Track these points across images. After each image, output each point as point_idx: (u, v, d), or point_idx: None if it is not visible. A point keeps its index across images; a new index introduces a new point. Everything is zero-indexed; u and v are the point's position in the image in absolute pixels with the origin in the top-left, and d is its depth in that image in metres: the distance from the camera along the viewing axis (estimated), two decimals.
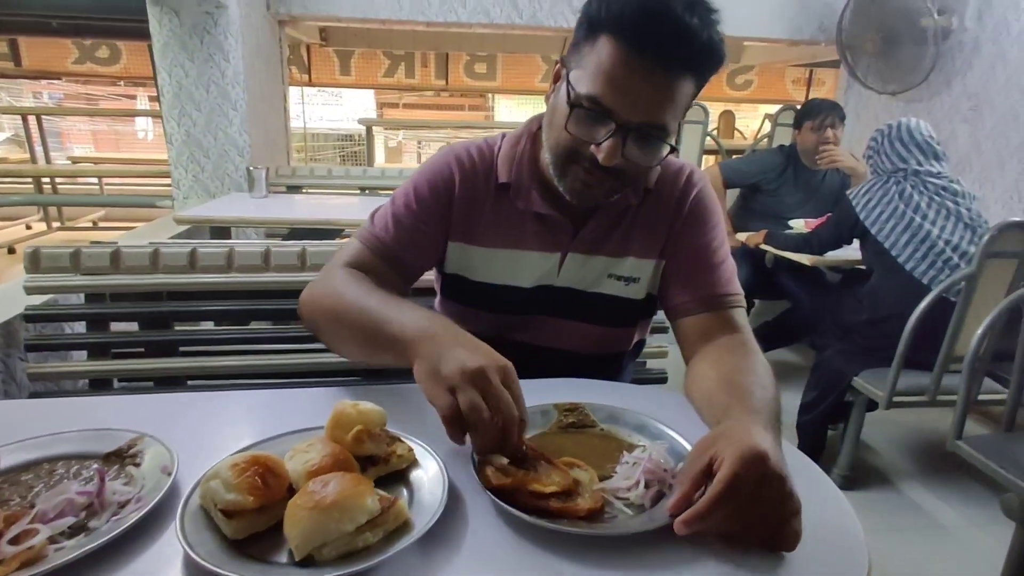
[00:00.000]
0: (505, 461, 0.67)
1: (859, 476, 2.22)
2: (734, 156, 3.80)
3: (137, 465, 0.68)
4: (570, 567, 0.58)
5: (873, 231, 2.06)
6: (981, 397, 1.82)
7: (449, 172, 0.99)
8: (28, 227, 5.44)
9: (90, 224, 5.56)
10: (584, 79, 0.81)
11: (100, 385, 1.31)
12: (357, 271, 0.93)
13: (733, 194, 3.19)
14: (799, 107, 3.03)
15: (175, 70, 3.27)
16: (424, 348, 0.71)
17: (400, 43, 6.92)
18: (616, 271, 1.00)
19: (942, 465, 2.34)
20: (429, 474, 0.68)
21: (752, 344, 0.91)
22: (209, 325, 1.51)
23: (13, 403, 1.06)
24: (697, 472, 0.62)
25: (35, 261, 1.25)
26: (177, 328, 1.37)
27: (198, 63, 3.27)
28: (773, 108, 4.96)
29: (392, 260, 0.97)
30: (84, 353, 1.32)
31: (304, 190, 3.52)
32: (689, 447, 0.73)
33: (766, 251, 2.71)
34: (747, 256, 2.84)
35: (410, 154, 10.07)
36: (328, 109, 9.49)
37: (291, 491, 0.62)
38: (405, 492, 0.67)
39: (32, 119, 5.52)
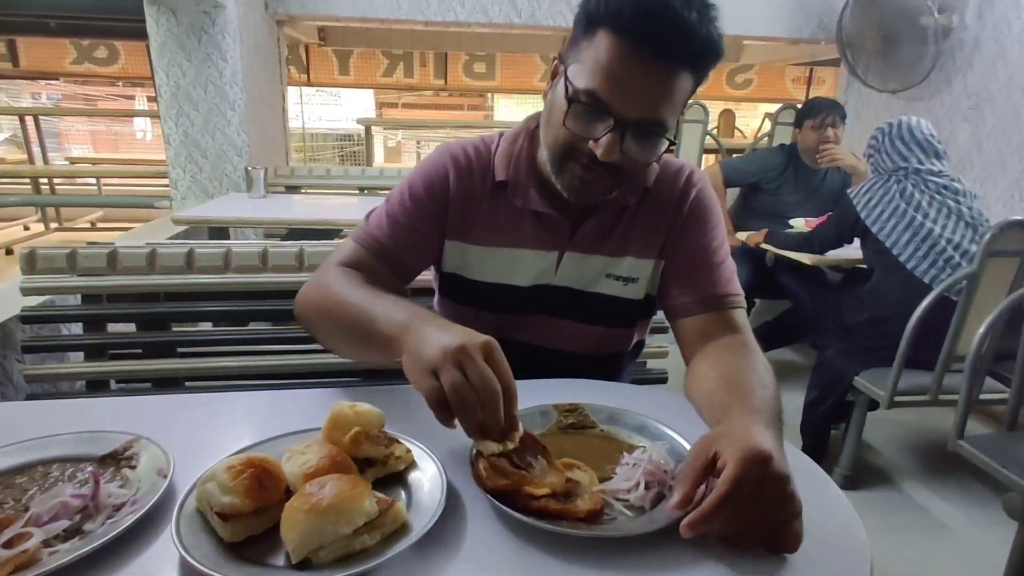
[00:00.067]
0: (496, 449, 0.65)
1: (861, 476, 2.21)
2: (734, 155, 3.80)
3: (133, 467, 0.67)
4: (570, 569, 0.57)
5: (874, 230, 2.05)
6: (983, 396, 1.82)
7: (444, 171, 0.99)
8: (26, 228, 5.43)
9: (88, 225, 5.55)
10: (582, 74, 0.81)
11: (97, 387, 1.31)
12: (351, 269, 0.93)
13: (733, 193, 3.19)
14: (800, 106, 3.03)
15: (173, 70, 3.27)
16: (409, 339, 0.70)
17: (399, 43, 6.92)
18: (614, 271, 1.00)
19: (944, 465, 2.33)
20: (427, 476, 0.67)
21: (752, 344, 0.91)
22: (207, 326, 1.51)
23: (10, 405, 1.05)
24: (698, 470, 0.61)
25: (31, 262, 1.24)
26: (175, 329, 1.37)
27: (196, 63, 3.26)
28: (773, 107, 4.96)
29: (387, 259, 0.96)
30: (81, 354, 1.31)
31: (303, 190, 3.52)
32: (689, 448, 0.73)
33: (767, 250, 2.71)
34: (747, 255, 2.84)
35: (409, 154, 10.07)
36: (327, 109, 9.48)
37: (288, 493, 0.61)
38: (403, 494, 0.66)
39: (30, 119, 5.51)
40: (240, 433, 0.79)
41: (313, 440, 0.68)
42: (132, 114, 9.14)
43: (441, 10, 3.69)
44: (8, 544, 0.54)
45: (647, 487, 0.66)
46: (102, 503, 0.61)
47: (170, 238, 2.62)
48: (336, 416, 0.70)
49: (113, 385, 1.33)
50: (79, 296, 1.31)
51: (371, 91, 9.22)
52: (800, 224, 2.75)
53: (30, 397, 1.35)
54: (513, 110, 9.59)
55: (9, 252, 4.78)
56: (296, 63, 7.46)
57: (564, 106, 0.82)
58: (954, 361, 1.88)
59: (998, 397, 1.92)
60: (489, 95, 9.49)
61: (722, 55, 0.81)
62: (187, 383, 1.34)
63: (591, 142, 0.82)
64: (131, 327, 1.36)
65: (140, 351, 1.32)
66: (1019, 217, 1.79)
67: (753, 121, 7.96)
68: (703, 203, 1.00)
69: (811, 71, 8.07)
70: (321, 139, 9.05)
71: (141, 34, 3.31)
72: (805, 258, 2.44)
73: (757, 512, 0.58)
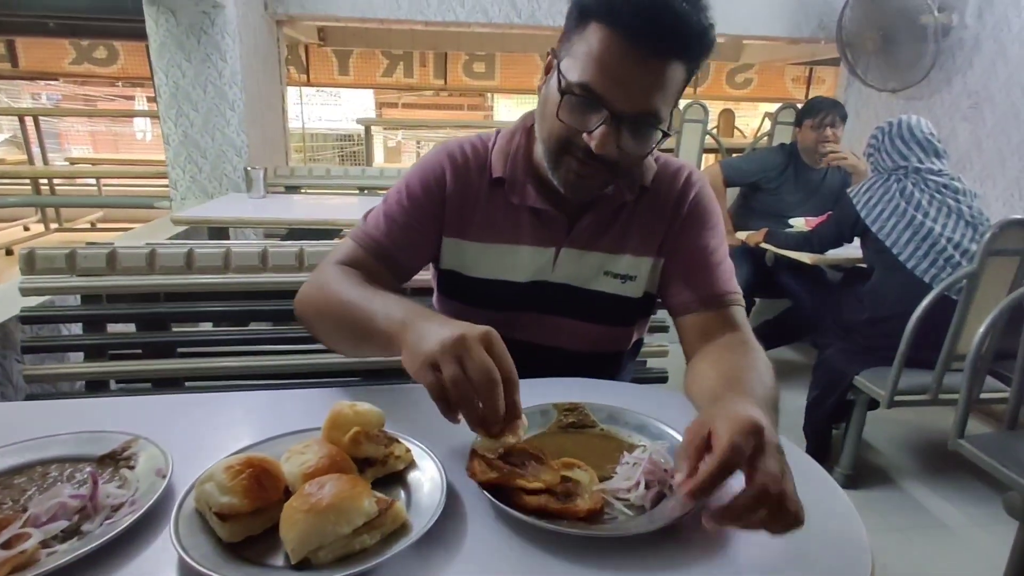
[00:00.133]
0: (497, 448, 0.65)
1: (861, 475, 2.21)
2: (734, 155, 3.80)
3: (131, 468, 0.67)
4: (570, 569, 0.57)
5: (874, 229, 2.05)
6: (983, 396, 1.82)
7: (441, 169, 0.99)
8: (26, 228, 5.43)
9: (88, 225, 5.54)
10: (575, 67, 0.81)
11: (97, 387, 1.31)
12: (349, 268, 0.93)
13: (733, 193, 3.19)
14: (800, 105, 3.02)
15: (172, 70, 3.27)
16: (408, 336, 0.70)
17: (398, 43, 6.93)
18: (612, 268, 1.00)
19: (944, 464, 2.33)
20: (427, 475, 0.67)
21: (752, 342, 0.91)
22: (207, 326, 1.51)
23: (9, 405, 1.05)
24: (696, 447, 0.60)
25: (31, 262, 1.24)
26: (174, 329, 1.37)
27: (195, 63, 3.26)
28: (773, 106, 4.96)
29: (385, 258, 0.96)
30: (81, 355, 1.31)
31: (302, 190, 3.52)
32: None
33: (766, 250, 2.70)
34: (747, 255, 2.83)
35: (409, 154, 10.06)
36: (327, 109, 9.47)
37: (287, 493, 0.61)
38: (403, 493, 0.66)
39: (29, 120, 5.51)
40: (239, 433, 0.79)
41: (312, 440, 0.68)
42: (132, 114, 9.14)
43: (441, 10, 3.69)
44: (6, 545, 0.53)
45: (647, 486, 0.66)
46: (100, 503, 0.60)
47: (170, 238, 2.62)
48: (335, 416, 0.70)
49: (113, 385, 1.33)
50: (79, 296, 1.31)
51: (371, 91, 9.21)
52: (800, 223, 2.75)
53: (30, 397, 1.35)
54: (513, 110, 9.58)
55: (9, 253, 4.78)
56: (296, 63, 7.46)
57: (558, 99, 0.83)
58: (954, 360, 1.88)
59: (998, 396, 1.92)
60: (489, 95, 9.49)
61: (713, 45, 0.82)
62: (187, 383, 1.34)
63: (585, 135, 0.82)
64: (131, 327, 1.35)
65: (140, 351, 1.32)
66: (1019, 216, 1.79)
67: (753, 121, 7.96)
68: (702, 203, 1.01)
69: (811, 70, 8.07)
70: (321, 139, 9.05)
71: (140, 34, 3.31)
72: (805, 257, 2.44)
73: (757, 483, 0.56)
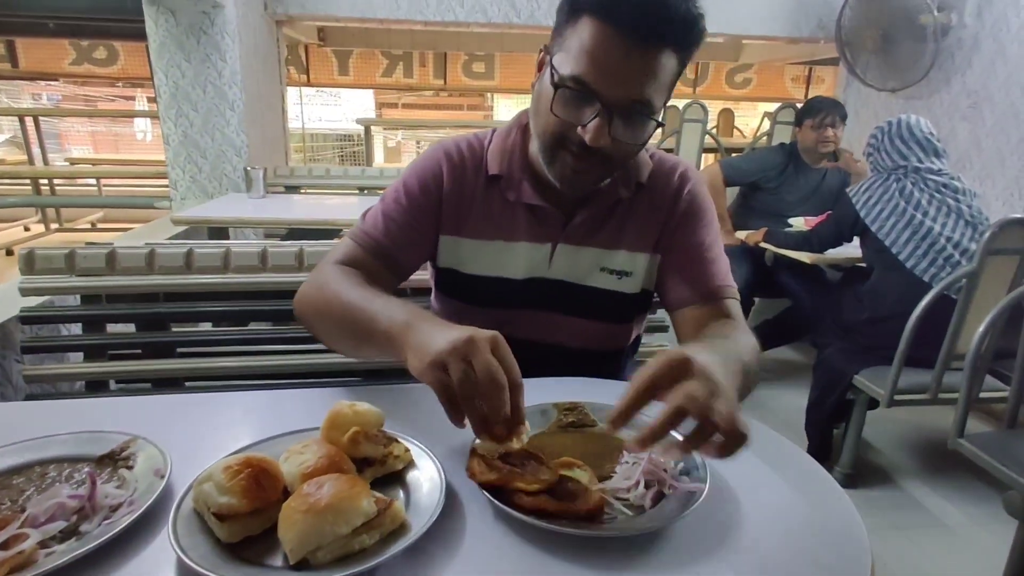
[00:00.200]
0: (498, 450, 0.65)
1: (861, 474, 2.21)
2: (734, 154, 3.80)
3: (130, 468, 0.67)
4: (569, 569, 0.57)
5: (874, 228, 2.05)
6: (983, 395, 1.82)
7: (438, 167, 1.00)
8: (26, 229, 5.43)
9: (88, 225, 5.55)
10: (567, 61, 0.81)
11: (97, 387, 1.30)
12: (349, 268, 0.93)
13: (733, 192, 3.18)
14: (800, 105, 3.02)
15: (172, 70, 3.27)
16: (412, 338, 0.70)
17: (398, 43, 6.93)
18: (608, 264, 1.01)
19: (944, 463, 2.33)
20: (426, 475, 0.67)
21: (743, 326, 0.92)
22: (207, 326, 1.50)
23: (9, 405, 1.05)
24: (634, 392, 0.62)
25: (30, 263, 1.24)
26: (174, 329, 1.36)
27: (195, 63, 3.26)
28: (772, 106, 4.96)
29: (384, 257, 0.97)
30: (80, 355, 1.31)
31: (302, 190, 3.52)
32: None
33: (766, 249, 2.70)
34: (747, 254, 2.83)
35: (409, 154, 10.06)
36: (327, 109, 9.48)
37: (286, 493, 0.61)
38: (402, 493, 0.66)
39: (30, 120, 5.51)
40: (238, 433, 0.79)
41: (311, 440, 0.68)
42: (132, 115, 9.14)
43: (440, 10, 3.69)
44: (5, 545, 0.53)
45: (647, 486, 0.66)
46: (99, 504, 0.60)
47: (170, 238, 2.62)
48: (334, 416, 0.70)
49: (112, 385, 1.33)
50: (78, 296, 1.31)
51: (371, 91, 9.22)
52: (799, 223, 2.75)
53: (29, 397, 1.35)
54: (513, 110, 9.53)
55: (9, 253, 4.78)
56: (296, 63, 7.46)
57: (551, 94, 0.83)
58: (954, 359, 1.88)
59: (998, 395, 1.92)
60: (488, 95, 9.49)
61: (704, 34, 0.83)
62: (187, 383, 1.33)
63: (580, 128, 0.83)
64: (130, 327, 1.35)
65: (139, 351, 1.32)
66: (1019, 215, 1.78)
67: (752, 120, 7.95)
68: (697, 200, 1.01)
69: (810, 70, 8.07)
70: (321, 139, 9.05)
71: (140, 35, 3.31)
72: (805, 257, 2.44)
73: (672, 403, 0.58)
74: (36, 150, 5.57)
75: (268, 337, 1.38)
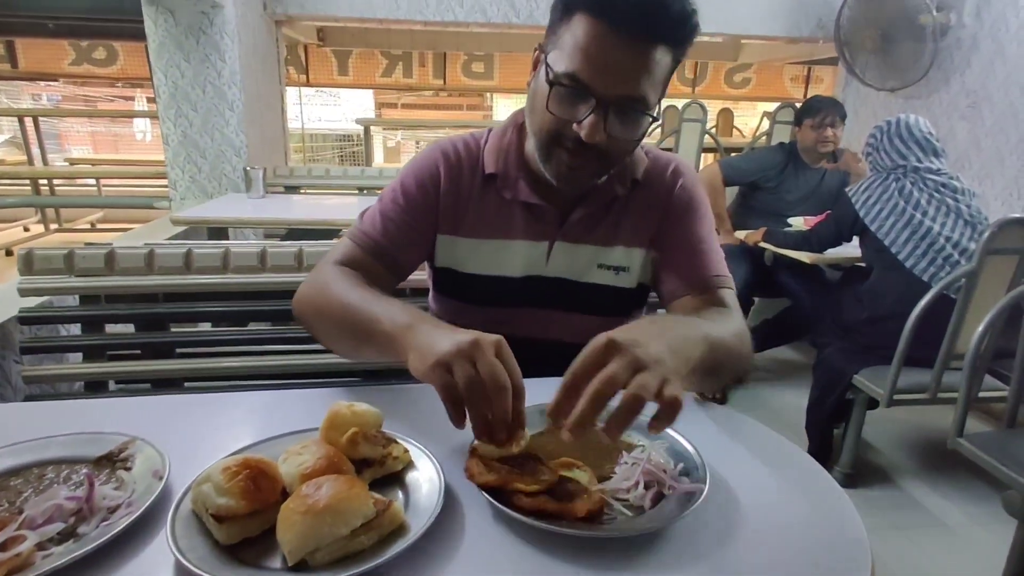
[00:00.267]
0: (497, 453, 0.65)
1: (861, 474, 2.21)
2: (733, 154, 3.79)
3: (128, 469, 0.67)
4: (569, 570, 0.57)
5: (873, 228, 2.05)
6: (982, 394, 1.82)
7: (435, 167, 1.00)
8: (26, 229, 5.43)
9: (88, 226, 5.54)
10: (561, 58, 0.82)
11: (96, 387, 1.30)
12: (347, 269, 0.94)
13: (732, 192, 3.18)
14: (799, 104, 3.02)
15: (171, 71, 3.26)
16: (415, 338, 0.71)
17: (398, 43, 6.92)
18: (605, 260, 1.01)
19: (944, 463, 2.33)
20: (425, 476, 0.67)
21: (734, 314, 0.91)
22: (206, 326, 1.50)
23: (7, 406, 1.05)
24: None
25: (29, 263, 1.24)
26: (173, 330, 1.36)
27: (194, 63, 3.26)
28: (771, 106, 4.96)
29: (382, 256, 0.97)
30: (80, 355, 1.31)
31: (302, 190, 3.52)
32: (689, 447, 0.73)
33: (765, 249, 2.70)
34: (746, 254, 2.83)
35: (408, 154, 10.06)
36: (326, 109, 9.47)
37: (284, 495, 0.61)
38: (401, 494, 0.66)
39: (29, 121, 5.51)
40: (237, 434, 0.79)
41: (310, 441, 0.67)
42: (131, 115, 9.13)
43: (440, 10, 3.68)
44: (2, 547, 0.53)
45: (646, 486, 0.66)
46: (96, 505, 0.60)
47: (169, 238, 2.62)
48: (333, 416, 0.69)
49: (112, 386, 1.33)
50: (77, 297, 1.31)
51: (370, 91, 9.21)
52: (799, 223, 2.74)
53: (28, 398, 1.34)
54: (512, 110, 9.56)
55: (9, 253, 4.77)
56: (295, 63, 7.45)
57: (546, 91, 0.83)
58: (953, 359, 1.88)
59: (997, 395, 1.92)
60: (488, 95, 9.49)
61: (697, 29, 0.83)
62: (186, 384, 1.33)
63: (575, 125, 0.83)
64: (130, 328, 1.35)
65: (139, 352, 1.32)
66: (1018, 215, 1.78)
67: (752, 120, 7.96)
68: (690, 193, 1.02)
69: (809, 70, 8.07)
70: (321, 139, 9.05)
71: (139, 35, 3.31)
72: (804, 257, 2.44)
73: (602, 386, 0.59)
74: (36, 150, 5.56)
75: (267, 337, 1.37)
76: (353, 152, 8.89)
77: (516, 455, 0.66)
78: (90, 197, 5.87)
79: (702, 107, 4.60)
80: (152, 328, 1.34)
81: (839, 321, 2.27)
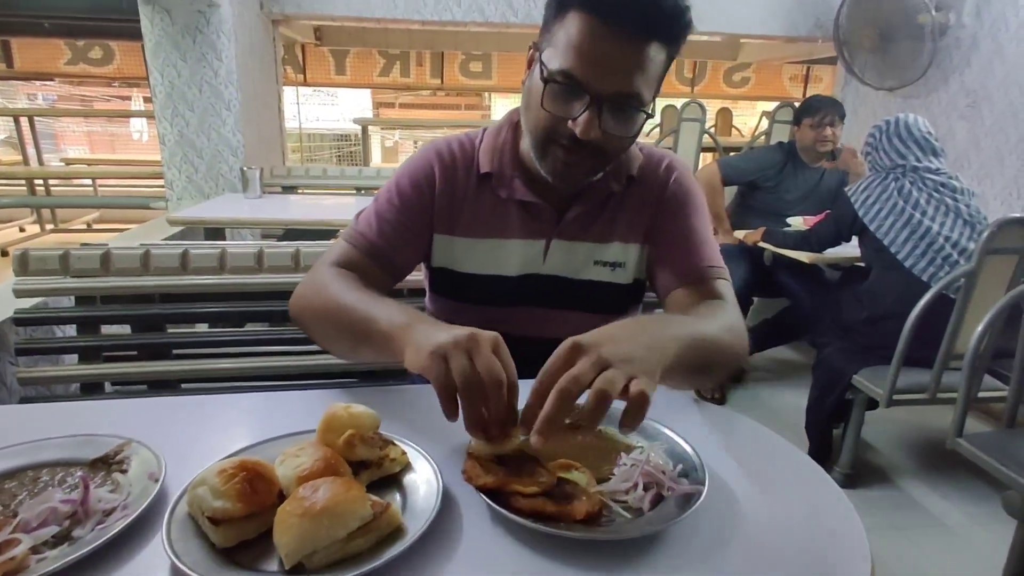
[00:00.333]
0: (490, 451, 0.65)
1: (860, 474, 2.21)
2: (732, 154, 3.79)
3: (124, 471, 0.66)
4: (567, 571, 0.57)
5: (872, 228, 2.05)
6: (981, 394, 1.82)
7: (430, 167, 1.00)
8: (21, 229, 5.42)
9: (84, 226, 5.53)
10: (555, 56, 0.82)
11: (92, 389, 1.30)
12: (344, 270, 0.93)
13: (731, 191, 3.18)
14: (798, 104, 3.02)
15: (167, 70, 3.25)
16: (413, 335, 0.71)
17: (395, 42, 6.92)
18: (601, 257, 1.01)
19: (943, 463, 2.33)
20: (423, 478, 0.67)
21: (729, 306, 0.91)
22: (203, 327, 1.50)
23: (2, 408, 1.04)
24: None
25: (24, 264, 1.23)
26: (170, 331, 1.36)
27: (191, 63, 3.25)
28: (770, 105, 4.96)
29: (378, 257, 0.97)
30: (75, 357, 1.30)
31: (299, 190, 3.51)
32: (688, 448, 0.72)
33: (765, 249, 2.70)
34: (746, 254, 2.83)
35: (406, 153, 10.04)
36: (324, 109, 9.47)
37: (281, 497, 0.60)
38: (398, 496, 0.65)
39: (25, 120, 5.49)
40: (234, 435, 0.78)
41: (307, 443, 0.67)
42: (127, 115, 9.12)
43: (438, 9, 3.68)
44: None
45: (645, 488, 0.65)
46: (92, 508, 0.60)
47: (166, 239, 2.61)
48: (330, 418, 0.69)
49: (108, 388, 1.32)
50: (73, 298, 1.30)
51: (368, 91, 9.21)
52: (798, 222, 2.74)
53: (24, 400, 1.34)
54: (511, 109, 9.57)
55: (4, 254, 4.76)
56: (292, 63, 7.44)
57: (541, 89, 0.84)
58: (952, 359, 1.87)
59: (997, 395, 1.92)
60: (486, 94, 9.49)
61: (690, 25, 0.83)
62: (183, 385, 1.33)
63: (570, 122, 0.83)
64: (126, 329, 1.35)
65: (135, 353, 1.31)
66: (1017, 215, 1.79)
67: (751, 119, 7.97)
68: (683, 186, 1.02)
69: (808, 69, 8.08)
70: (318, 139, 9.05)
71: (136, 34, 3.30)
72: (803, 256, 2.44)
73: (568, 384, 0.60)
74: (31, 150, 5.55)
75: (264, 338, 1.37)
76: (351, 152, 8.88)
77: (514, 456, 0.66)
78: (86, 197, 5.86)
79: (701, 106, 4.60)
80: (148, 329, 1.33)
81: (838, 321, 2.26)
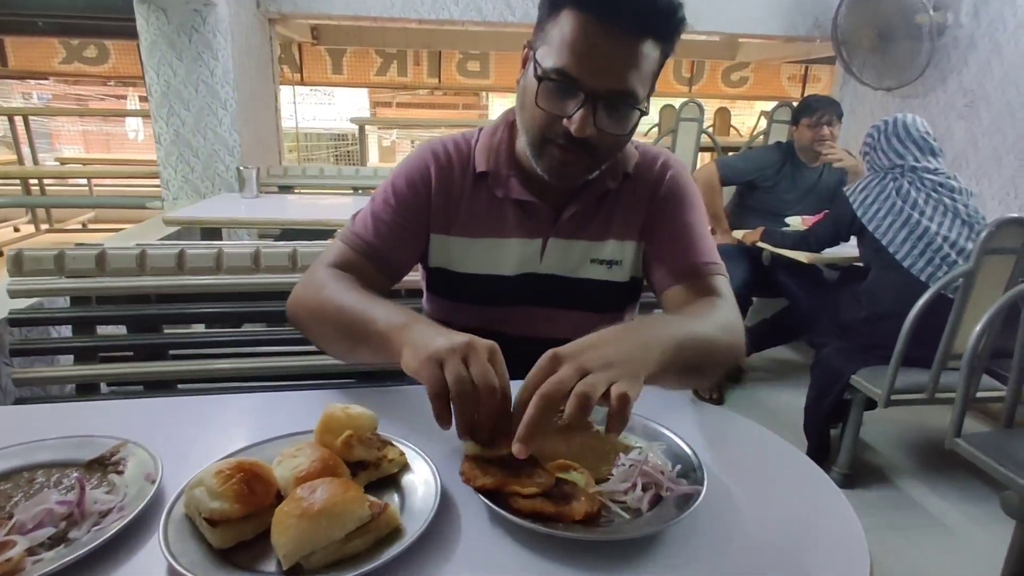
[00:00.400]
0: (478, 450, 0.65)
1: (859, 474, 2.21)
2: (730, 153, 3.79)
3: (120, 473, 0.66)
4: (567, 572, 0.56)
5: (871, 228, 2.05)
6: (980, 394, 1.81)
7: (426, 166, 1.00)
8: (16, 229, 5.40)
9: (79, 226, 5.51)
10: (550, 54, 0.82)
11: (87, 390, 1.29)
12: (341, 271, 0.93)
13: (730, 191, 3.18)
14: (796, 104, 3.02)
15: (163, 69, 3.24)
16: (410, 337, 0.71)
17: (392, 41, 6.90)
18: (598, 255, 1.01)
19: (941, 463, 2.33)
20: (421, 479, 0.66)
21: (725, 302, 0.91)
22: (199, 328, 1.49)
23: None
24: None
25: (18, 264, 1.22)
26: (166, 331, 1.35)
27: (186, 62, 3.24)
28: (769, 105, 4.96)
29: (375, 258, 0.97)
30: (71, 357, 1.29)
31: (296, 190, 3.50)
32: (687, 448, 0.72)
33: (763, 249, 2.70)
34: (744, 254, 2.83)
35: (403, 153, 9.98)
36: (321, 108, 9.45)
37: (279, 498, 0.60)
38: (396, 497, 0.65)
39: (19, 120, 5.46)
40: (231, 436, 0.78)
41: (305, 443, 0.67)
42: (123, 114, 9.09)
43: (435, 8, 3.67)
44: None
45: (644, 488, 0.65)
46: (88, 510, 0.59)
47: (162, 239, 2.60)
48: (328, 419, 0.69)
49: (104, 388, 1.32)
50: (68, 298, 1.29)
51: (365, 90, 9.19)
52: (796, 222, 2.74)
53: (19, 401, 1.33)
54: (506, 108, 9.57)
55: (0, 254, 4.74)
56: (289, 62, 7.42)
57: (535, 87, 0.84)
58: (951, 359, 1.88)
59: (995, 395, 1.92)
60: (483, 94, 9.48)
61: (684, 22, 0.83)
62: (179, 386, 1.32)
63: (565, 120, 0.83)
64: (121, 329, 1.34)
65: (131, 354, 1.31)
66: (1015, 214, 1.79)
67: (749, 119, 7.98)
68: (678, 182, 1.02)
69: (806, 69, 8.08)
70: (315, 139, 9.03)
71: (131, 33, 3.29)
72: (802, 256, 2.44)
73: (549, 389, 0.60)
74: (26, 150, 5.52)
75: (261, 339, 1.36)
76: (348, 151, 8.87)
77: (512, 457, 0.65)
78: (81, 197, 5.84)
79: (699, 106, 4.60)
80: (144, 330, 1.33)
81: (837, 321, 2.27)
